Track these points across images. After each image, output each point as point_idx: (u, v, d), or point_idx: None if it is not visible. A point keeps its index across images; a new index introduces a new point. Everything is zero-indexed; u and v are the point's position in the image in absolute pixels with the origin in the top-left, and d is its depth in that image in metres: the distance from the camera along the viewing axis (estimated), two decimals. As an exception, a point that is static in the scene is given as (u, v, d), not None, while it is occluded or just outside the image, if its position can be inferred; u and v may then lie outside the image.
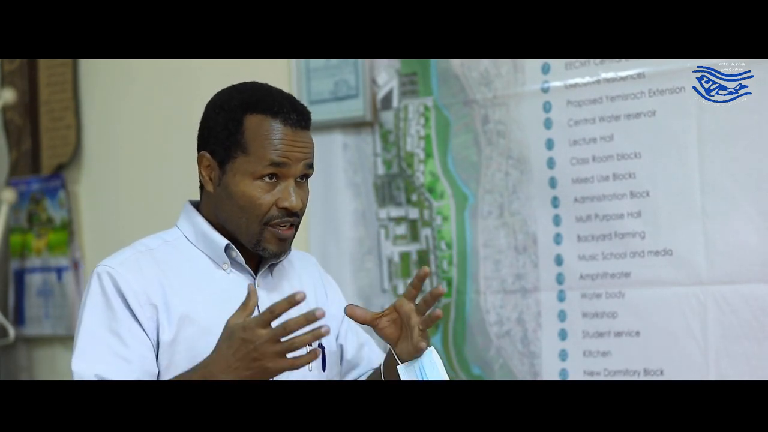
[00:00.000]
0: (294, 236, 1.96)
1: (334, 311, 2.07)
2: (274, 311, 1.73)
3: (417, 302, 1.92)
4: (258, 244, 1.92)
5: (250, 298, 1.76)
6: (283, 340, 1.72)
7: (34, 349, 3.65)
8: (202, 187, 1.98)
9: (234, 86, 1.98)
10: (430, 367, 1.92)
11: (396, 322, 1.93)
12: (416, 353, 1.90)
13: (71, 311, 3.49)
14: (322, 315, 1.72)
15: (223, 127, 1.92)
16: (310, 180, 1.97)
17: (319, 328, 1.70)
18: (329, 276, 2.18)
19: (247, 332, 1.73)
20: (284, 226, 1.92)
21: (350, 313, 1.95)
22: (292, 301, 1.73)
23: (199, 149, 1.96)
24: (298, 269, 2.08)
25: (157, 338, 1.87)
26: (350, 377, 2.12)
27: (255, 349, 1.73)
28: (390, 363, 1.96)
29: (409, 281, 2.80)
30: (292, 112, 1.91)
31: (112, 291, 1.87)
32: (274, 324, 1.74)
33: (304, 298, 1.74)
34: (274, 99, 1.93)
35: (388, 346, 1.97)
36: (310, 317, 1.71)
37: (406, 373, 1.92)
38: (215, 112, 1.94)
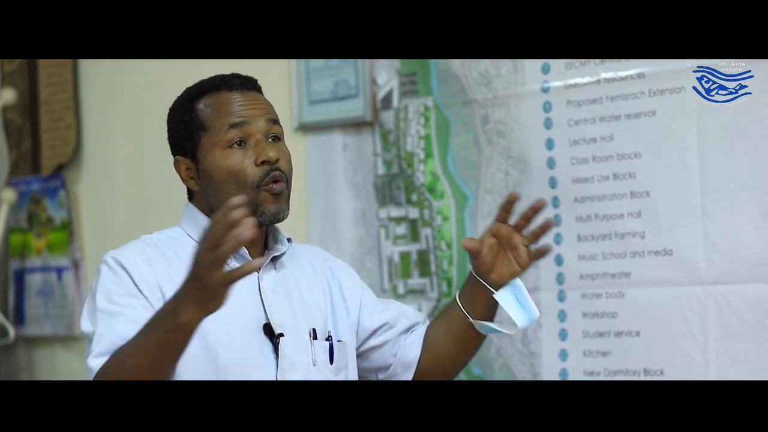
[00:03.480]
0: (288, 194, 1.98)
1: (349, 294, 2.10)
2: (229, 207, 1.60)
3: (516, 221, 2.00)
4: (256, 209, 1.93)
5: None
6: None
7: (34, 349, 3.65)
8: (191, 194, 2.04)
9: (184, 89, 2.07)
10: (523, 291, 2.01)
11: (493, 248, 2.00)
12: (516, 273, 1.99)
13: (71, 311, 3.48)
14: None
15: (180, 121, 2.01)
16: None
17: (240, 234, 1.58)
18: (339, 261, 2.19)
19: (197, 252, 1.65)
20: (275, 182, 1.95)
21: (464, 245, 2.00)
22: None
23: (173, 157, 2.04)
24: (304, 263, 2.08)
25: None
26: (389, 334, 2.12)
27: (197, 266, 1.64)
28: (475, 299, 2.02)
29: (408, 281, 2.80)
30: (234, 79, 2.00)
31: (122, 271, 1.91)
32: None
33: None
34: (214, 78, 2.02)
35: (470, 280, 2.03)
36: (233, 219, 1.58)
37: (503, 298, 1.99)
38: (171, 117, 2.05)
